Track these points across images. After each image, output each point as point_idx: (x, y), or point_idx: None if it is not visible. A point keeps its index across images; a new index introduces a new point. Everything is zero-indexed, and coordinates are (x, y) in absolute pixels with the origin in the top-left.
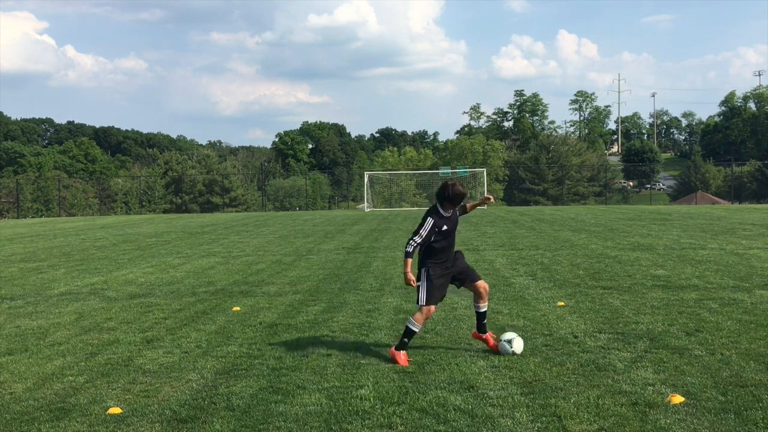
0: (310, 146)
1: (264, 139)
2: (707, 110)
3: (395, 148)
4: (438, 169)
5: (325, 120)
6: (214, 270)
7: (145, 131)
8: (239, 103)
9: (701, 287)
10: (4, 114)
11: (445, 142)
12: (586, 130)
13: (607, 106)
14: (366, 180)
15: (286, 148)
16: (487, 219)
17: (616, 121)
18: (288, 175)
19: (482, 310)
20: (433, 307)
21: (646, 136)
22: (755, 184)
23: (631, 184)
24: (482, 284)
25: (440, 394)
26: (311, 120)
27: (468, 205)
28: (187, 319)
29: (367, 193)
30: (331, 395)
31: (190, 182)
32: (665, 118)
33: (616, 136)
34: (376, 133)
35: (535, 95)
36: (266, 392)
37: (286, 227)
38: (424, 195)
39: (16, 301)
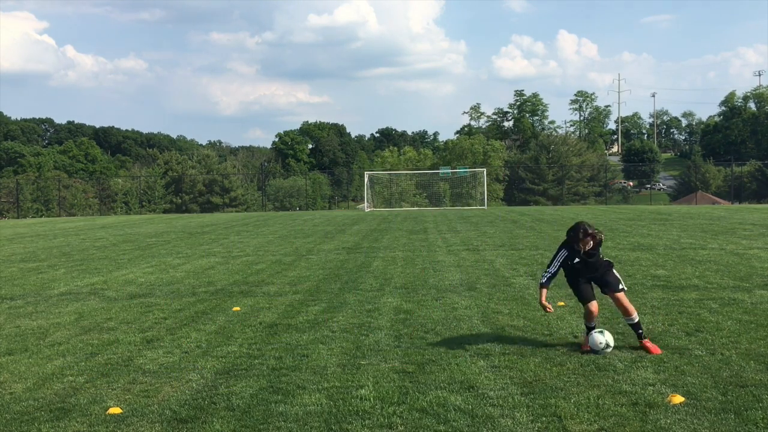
0: (310, 146)
1: (264, 139)
2: (707, 110)
3: (395, 148)
4: (438, 169)
5: (325, 120)
6: (214, 270)
7: (145, 131)
8: (239, 103)
9: (701, 287)
10: (4, 114)
11: (445, 142)
12: (586, 130)
13: (607, 106)
14: (366, 180)
15: (286, 148)
16: (487, 219)
17: (616, 121)
18: (288, 175)
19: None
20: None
21: (646, 136)
22: (755, 184)
23: (631, 184)
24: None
25: (440, 394)
26: (311, 120)
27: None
28: (187, 319)
29: (367, 193)
30: (331, 395)
31: (190, 182)
32: (665, 118)
33: (616, 136)
34: (376, 133)
35: (535, 95)
36: (266, 392)
37: (286, 227)
38: (424, 195)
39: (16, 301)
